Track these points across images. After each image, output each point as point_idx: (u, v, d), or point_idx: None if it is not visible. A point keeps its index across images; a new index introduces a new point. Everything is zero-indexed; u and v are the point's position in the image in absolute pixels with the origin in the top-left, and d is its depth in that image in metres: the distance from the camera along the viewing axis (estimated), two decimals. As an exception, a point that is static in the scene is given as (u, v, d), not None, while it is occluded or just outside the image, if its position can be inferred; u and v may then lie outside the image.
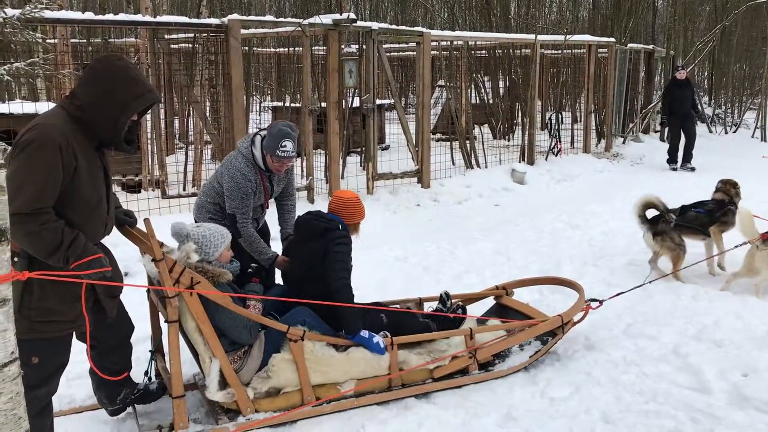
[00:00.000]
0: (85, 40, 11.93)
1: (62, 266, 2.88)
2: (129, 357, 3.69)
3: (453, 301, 4.76)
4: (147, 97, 3.05)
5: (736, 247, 5.82)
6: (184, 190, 8.86)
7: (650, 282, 5.62)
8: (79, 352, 3.47)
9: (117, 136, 3.03)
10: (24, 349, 2.89)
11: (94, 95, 2.95)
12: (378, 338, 3.95)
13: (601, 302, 4.79)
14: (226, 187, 4.42)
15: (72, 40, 9.98)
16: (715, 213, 6.29)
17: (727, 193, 6.45)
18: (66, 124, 2.91)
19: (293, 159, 4.44)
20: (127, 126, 3.05)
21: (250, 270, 4.23)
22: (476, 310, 5.05)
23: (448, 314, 4.51)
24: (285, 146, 4.29)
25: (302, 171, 9.53)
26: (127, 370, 3.68)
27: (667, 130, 13.62)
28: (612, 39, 14.05)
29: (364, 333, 3.93)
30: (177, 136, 12.18)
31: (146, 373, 3.87)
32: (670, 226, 6.13)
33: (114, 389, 3.62)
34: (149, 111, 3.07)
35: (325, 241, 3.98)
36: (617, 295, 5.10)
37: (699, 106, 14.93)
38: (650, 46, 16.79)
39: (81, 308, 2.99)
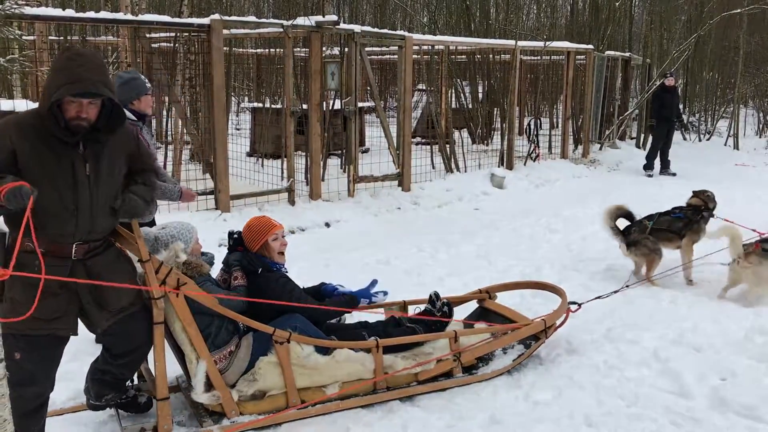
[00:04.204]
0: (62, 38, 11.79)
1: None
2: (134, 369, 3.63)
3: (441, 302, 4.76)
4: (62, 90, 2.88)
5: (722, 264, 5.89)
6: (163, 190, 8.75)
7: (627, 286, 5.68)
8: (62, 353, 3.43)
9: (51, 125, 2.92)
10: (7, 343, 2.90)
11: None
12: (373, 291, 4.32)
13: (579, 305, 4.86)
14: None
15: (50, 38, 9.85)
16: (691, 218, 6.34)
17: (703, 200, 6.51)
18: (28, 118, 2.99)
19: None
20: (62, 117, 2.93)
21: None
22: (459, 313, 5.07)
23: (433, 317, 4.50)
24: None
25: (282, 172, 9.50)
26: (126, 379, 3.65)
27: (651, 135, 13.76)
28: (590, 46, 14.22)
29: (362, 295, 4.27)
30: (156, 136, 12.06)
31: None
32: (642, 235, 6.20)
33: (105, 388, 3.57)
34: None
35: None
36: (596, 298, 5.18)
37: (682, 115, 15.19)
38: (627, 54, 17.01)
39: (55, 305, 2.95)
